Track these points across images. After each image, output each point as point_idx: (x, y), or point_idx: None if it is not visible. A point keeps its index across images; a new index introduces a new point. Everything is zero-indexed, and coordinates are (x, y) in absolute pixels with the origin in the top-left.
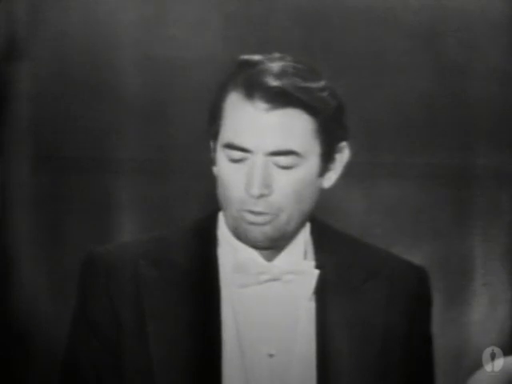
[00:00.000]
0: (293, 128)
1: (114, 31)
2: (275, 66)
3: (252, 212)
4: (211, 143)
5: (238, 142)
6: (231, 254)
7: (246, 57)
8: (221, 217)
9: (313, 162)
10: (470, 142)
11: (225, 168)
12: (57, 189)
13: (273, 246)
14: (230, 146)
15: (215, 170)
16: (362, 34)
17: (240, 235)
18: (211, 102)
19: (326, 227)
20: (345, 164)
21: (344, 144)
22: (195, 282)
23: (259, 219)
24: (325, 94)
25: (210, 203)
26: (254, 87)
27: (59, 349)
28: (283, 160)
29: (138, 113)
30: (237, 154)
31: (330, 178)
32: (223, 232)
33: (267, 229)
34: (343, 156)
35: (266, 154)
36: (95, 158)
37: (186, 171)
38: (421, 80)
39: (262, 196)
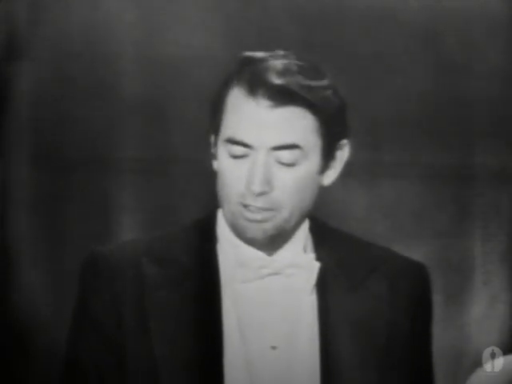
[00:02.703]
0: (295, 124)
1: (113, 31)
2: (278, 63)
3: (252, 207)
4: (212, 137)
5: (239, 137)
6: (231, 250)
7: (248, 53)
8: (220, 214)
9: (314, 159)
10: (470, 142)
11: (226, 164)
12: (57, 189)
13: (271, 243)
14: (231, 141)
15: (215, 164)
16: (361, 34)
17: (239, 232)
18: (213, 96)
19: (324, 225)
20: (345, 162)
21: (345, 142)
22: (196, 279)
23: (259, 216)
24: (328, 92)
25: (209, 203)
26: (257, 84)
27: (59, 349)
28: (286, 155)
29: (137, 112)
30: (238, 150)
31: (330, 176)
32: (222, 229)
33: (267, 226)
34: (344, 154)
35: (269, 149)
36: (95, 158)
37: (186, 171)
38: (421, 80)
39: (262, 193)
